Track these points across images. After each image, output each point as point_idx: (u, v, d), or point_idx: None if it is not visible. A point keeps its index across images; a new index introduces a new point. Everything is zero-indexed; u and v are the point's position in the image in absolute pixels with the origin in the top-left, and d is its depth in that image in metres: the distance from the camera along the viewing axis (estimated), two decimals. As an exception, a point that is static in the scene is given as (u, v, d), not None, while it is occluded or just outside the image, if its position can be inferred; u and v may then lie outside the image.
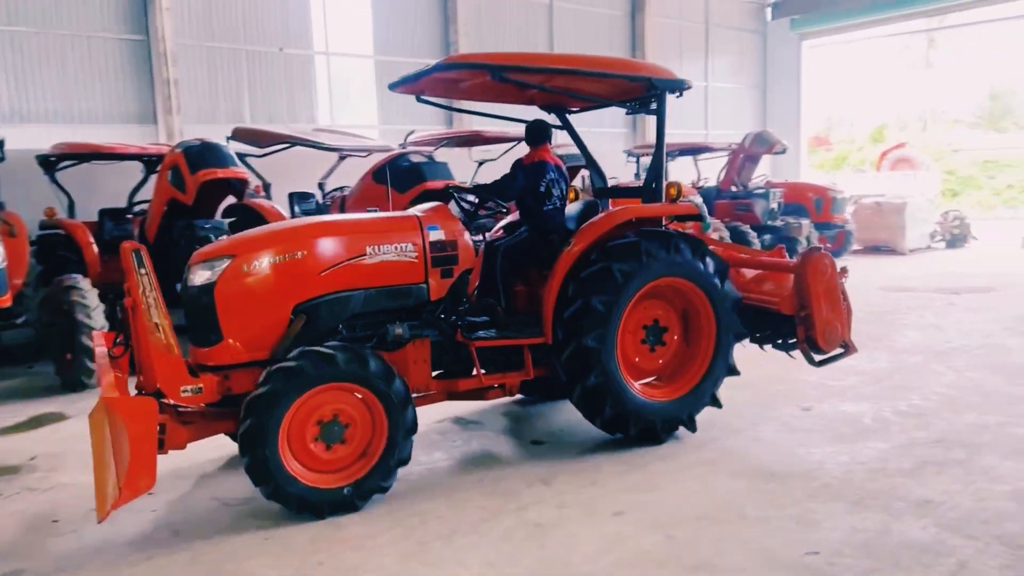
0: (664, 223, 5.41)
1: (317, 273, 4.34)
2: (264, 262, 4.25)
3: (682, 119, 19.98)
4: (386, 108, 15.63)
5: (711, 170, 16.04)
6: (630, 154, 15.39)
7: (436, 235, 4.67)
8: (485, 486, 4.51)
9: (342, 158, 10.69)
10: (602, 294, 4.81)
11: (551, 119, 5.83)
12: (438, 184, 8.82)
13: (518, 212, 5.63)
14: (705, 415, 5.31)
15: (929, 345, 7.79)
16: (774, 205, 14.52)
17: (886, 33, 27.62)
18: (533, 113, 5.84)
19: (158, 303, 3.96)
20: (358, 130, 13.35)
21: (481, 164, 12.26)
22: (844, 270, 5.54)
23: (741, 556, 3.58)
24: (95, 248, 8.49)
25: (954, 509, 3.97)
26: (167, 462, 4.24)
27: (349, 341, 4.41)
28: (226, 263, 4.20)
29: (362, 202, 8.99)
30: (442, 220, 4.76)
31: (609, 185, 6.03)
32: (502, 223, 5.84)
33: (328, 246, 4.40)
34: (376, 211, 6.88)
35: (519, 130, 11.98)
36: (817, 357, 5.50)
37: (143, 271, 3.94)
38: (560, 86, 5.17)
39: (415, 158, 9.05)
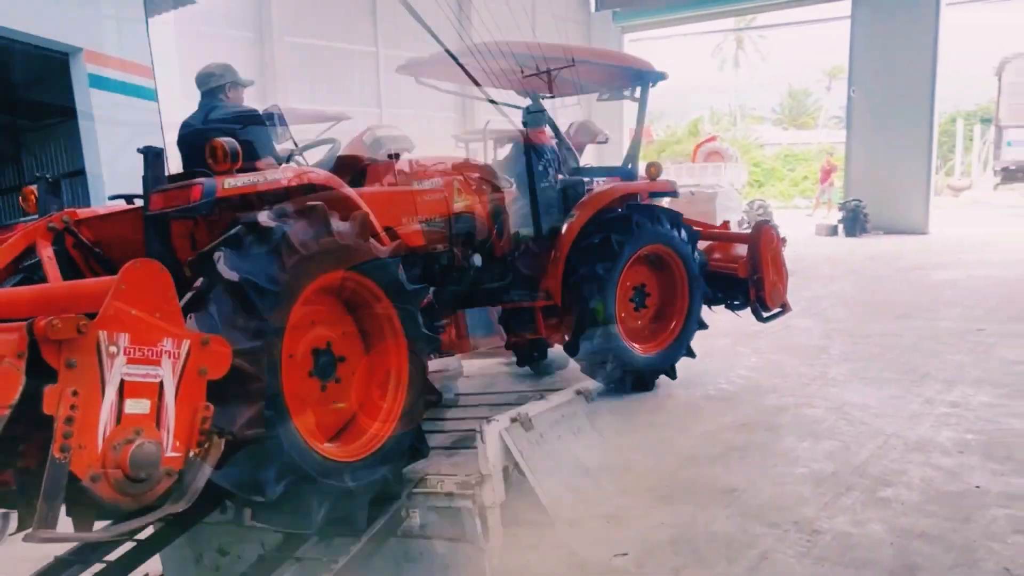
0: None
1: None
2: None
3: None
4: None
5: (537, 158, 16.09)
6: (459, 140, 15.09)
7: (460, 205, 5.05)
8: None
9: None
10: (603, 261, 5.42)
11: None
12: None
13: (516, 188, 5.91)
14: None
15: (735, 328, 8.08)
16: (597, 193, 14.81)
17: (699, 31, 29.26)
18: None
19: None
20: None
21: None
22: (784, 240, 6.44)
23: (550, 563, 3.40)
24: None
25: (756, 496, 4.02)
26: None
27: None
28: None
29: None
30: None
31: None
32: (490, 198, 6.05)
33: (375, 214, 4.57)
34: None
35: (336, 110, 11.32)
36: (764, 314, 6.43)
37: None
38: (553, 73, 5.66)
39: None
